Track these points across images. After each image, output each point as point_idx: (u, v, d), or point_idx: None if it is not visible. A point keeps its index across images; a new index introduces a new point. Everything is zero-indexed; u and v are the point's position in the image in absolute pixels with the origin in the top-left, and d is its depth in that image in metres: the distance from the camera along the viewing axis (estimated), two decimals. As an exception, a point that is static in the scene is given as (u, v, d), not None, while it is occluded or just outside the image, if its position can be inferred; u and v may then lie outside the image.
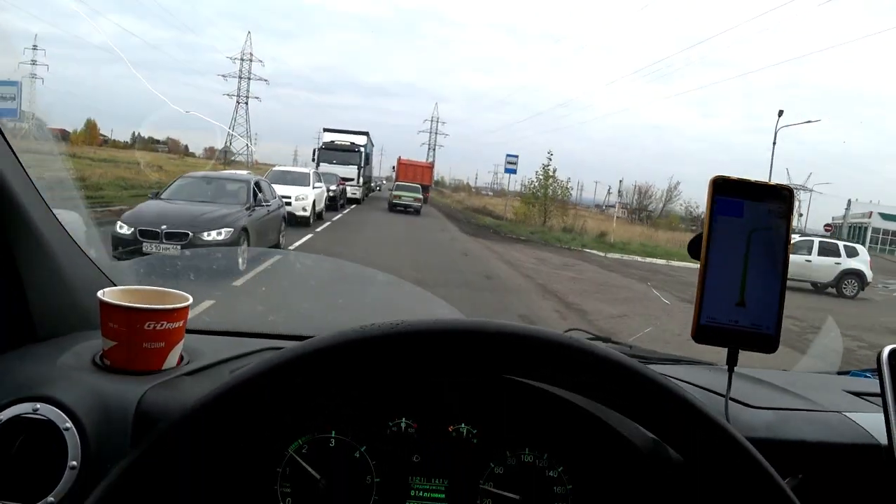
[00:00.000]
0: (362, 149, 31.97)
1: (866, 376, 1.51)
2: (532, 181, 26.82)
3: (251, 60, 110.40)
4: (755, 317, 0.97)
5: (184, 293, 1.07)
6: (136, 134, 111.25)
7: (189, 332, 1.09)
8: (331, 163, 30.82)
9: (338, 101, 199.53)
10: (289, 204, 16.54)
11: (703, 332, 0.97)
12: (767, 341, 0.97)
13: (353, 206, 30.31)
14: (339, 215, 22.90)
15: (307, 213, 16.96)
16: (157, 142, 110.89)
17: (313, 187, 18.11)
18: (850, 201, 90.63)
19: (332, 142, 32.06)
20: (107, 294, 1.01)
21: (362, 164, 31.55)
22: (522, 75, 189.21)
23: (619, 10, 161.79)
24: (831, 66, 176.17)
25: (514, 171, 27.19)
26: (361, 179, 31.62)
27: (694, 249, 1.01)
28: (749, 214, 0.97)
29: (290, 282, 2.23)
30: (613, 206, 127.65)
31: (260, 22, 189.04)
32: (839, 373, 1.64)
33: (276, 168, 20.02)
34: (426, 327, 0.73)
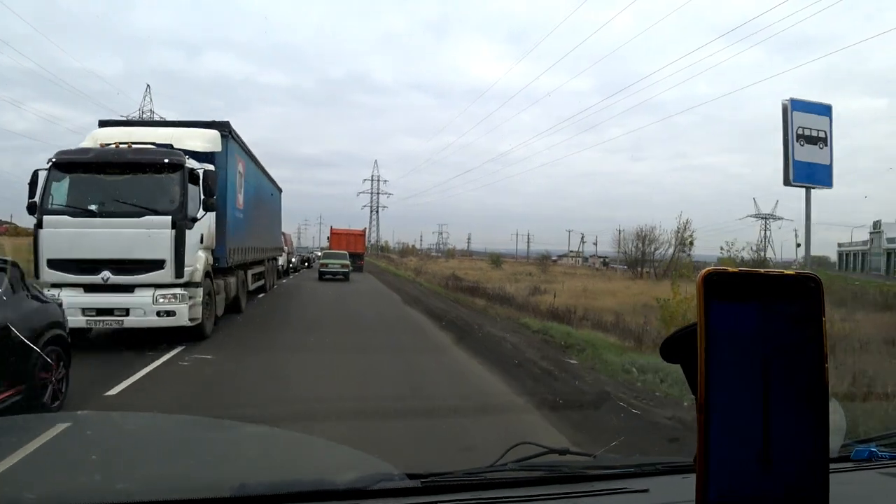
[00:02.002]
0: (192, 165, 9.72)
1: (871, 451, 1.24)
2: None
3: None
4: (790, 482, 0.70)
5: None
6: None
7: None
8: (78, 208, 8.86)
9: (274, 174, 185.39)
10: None
11: None
12: None
13: (172, 354, 8.47)
14: None
15: None
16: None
17: None
18: (877, 223, 73.75)
19: (112, 146, 9.77)
20: None
21: (192, 207, 9.46)
22: (453, 135, 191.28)
23: (539, 61, 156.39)
24: (743, 104, 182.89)
25: (827, 178, 6.12)
26: (199, 263, 9.52)
27: (670, 352, 0.81)
28: (763, 324, 0.70)
29: (136, 442, 1.65)
30: (588, 259, 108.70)
31: (189, 100, 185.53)
32: (843, 444, 1.35)
33: None
34: None
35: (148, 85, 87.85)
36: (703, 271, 0.71)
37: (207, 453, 1.62)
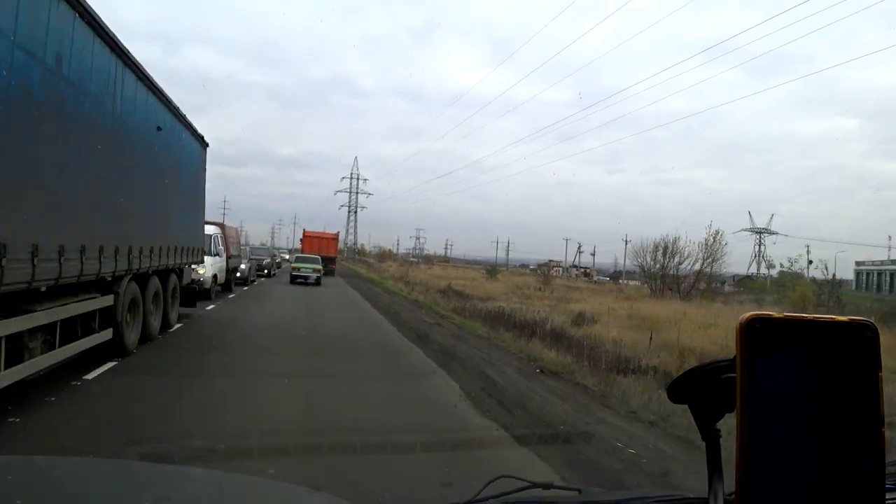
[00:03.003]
0: None
1: None
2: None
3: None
4: None
5: None
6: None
7: None
8: None
9: (249, 173, 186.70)
10: None
11: None
12: None
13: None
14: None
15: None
16: None
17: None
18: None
19: None
20: None
21: None
22: (431, 140, 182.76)
23: (520, 72, 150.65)
24: (718, 121, 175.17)
25: None
26: None
27: (677, 393, 0.79)
28: (812, 377, 0.63)
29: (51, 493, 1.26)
30: (583, 270, 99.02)
31: (169, 95, 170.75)
32: None
33: None
34: None
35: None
36: (744, 317, 0.65)
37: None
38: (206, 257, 15.09)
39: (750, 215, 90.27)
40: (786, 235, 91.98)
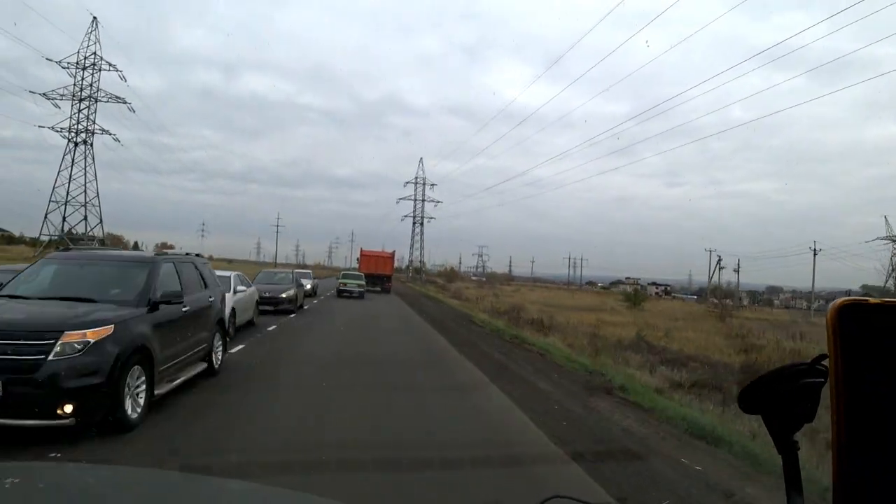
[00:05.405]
0: None
1: None
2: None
3: (99, 67, 56.33)
4: None
5: None
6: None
7: None
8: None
9: (306, 194, 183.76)
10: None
11: None
12: None
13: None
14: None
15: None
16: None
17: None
18: None
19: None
20: None
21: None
22: (485, 158, 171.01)
23: (574, 86, 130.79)
24: (781, 129, 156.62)
25: None
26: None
27: (750, 403, 0.67)
28: None
29: (97, 500, 1.30)
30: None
31: (229, 120, 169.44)
32: None
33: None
34: None
35: (94, 18, 55.18)
36: (835, 304, 0.55)
37: None
38: None
39: (886, 220, 71.10)
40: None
